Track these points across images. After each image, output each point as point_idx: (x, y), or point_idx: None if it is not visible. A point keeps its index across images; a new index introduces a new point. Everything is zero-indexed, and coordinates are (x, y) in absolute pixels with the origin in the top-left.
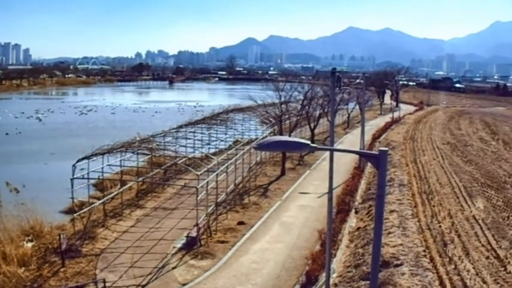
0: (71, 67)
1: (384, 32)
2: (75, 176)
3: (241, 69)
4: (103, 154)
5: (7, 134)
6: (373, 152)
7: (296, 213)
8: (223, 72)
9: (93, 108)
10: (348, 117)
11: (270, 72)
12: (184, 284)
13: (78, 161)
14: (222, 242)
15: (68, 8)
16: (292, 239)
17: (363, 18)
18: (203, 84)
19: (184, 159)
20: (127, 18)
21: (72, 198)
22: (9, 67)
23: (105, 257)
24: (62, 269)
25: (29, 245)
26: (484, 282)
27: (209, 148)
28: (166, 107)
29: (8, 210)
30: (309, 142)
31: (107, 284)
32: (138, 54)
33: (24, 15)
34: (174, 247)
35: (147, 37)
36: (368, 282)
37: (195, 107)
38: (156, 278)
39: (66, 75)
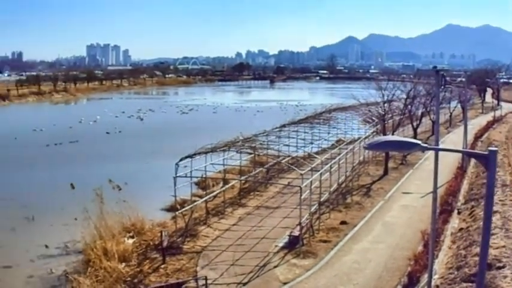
0: (171, 67)
1: (484, 29)
2: (178, 175)
3: (342, 68)
4: (206, 153)
5: (108, 133)
6: (483, 151)
7: (399, 214)
8: (324, 71)
9: (194, 107)
10: (450, 116)
11: (371, 70)
12: (285, 283)
13: (181, 160)
14: (324, 241)
15: (167, 9)
16: (395, 239)
17: (462, 15)
18: (304, 84)
19: (287, 158)
20: (227, 18)
21: (175, 196)
22: (109, 68)
23: (206, 254)
24: (162, 266)
25: (130, 241)
26: None
27: (312, 147)
28: (268, 106)
29: (110, 207)
30: (419, 142)
31: (208, 281)
32: (239, 54)
33: (123, 16)
34: (276, 246)
35: (247, 37)
36: (470, 284)
37: (297, 106)
38: (257, 277)
39: (167, 75)
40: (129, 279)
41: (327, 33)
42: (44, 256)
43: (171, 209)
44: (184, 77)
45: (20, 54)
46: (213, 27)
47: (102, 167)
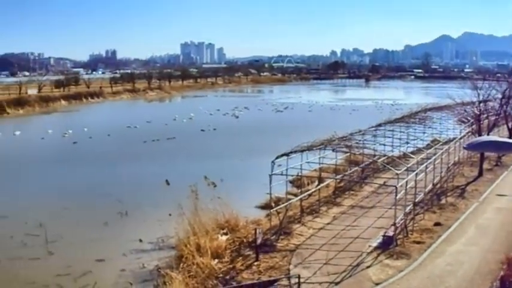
0: (266, 65)
1: None
2: (273, 172)
3: (437, 67)
4: (302, 151)
5: (202, 130)
6: None
7: (493, 216)
8: (419, 70)
9: (289, 105)
10: None
11: (466, 70)
12: (377, 284)
13: (277, 158)
14: (418, 242)
15: (262, 7)
16: (488, 242)
17: None
18: (399, 82)
19: (383, 158)
20: (321, 16)
21: (270, 193)
22: (204, 66)
23: (300, 253)
24: (255, 263)
25: (224, 238)
26: None
27: (408, 147)
28: (364, 105)
29: (205, 203)
30: None
31: (300, 280)
32: (333, 53)
33: (217, 15)
34: (369, 246)
35: (342, 35)
36: None
37: (392, 105)
38: (350, 276)
39: (261, 74)
40: (221, 275)
41: (421, 31)
42: (136, 251)
43: (266, 206)
44: (279, 75)
45: (114, 53)
46: (307, 26)
47: (197, 164)
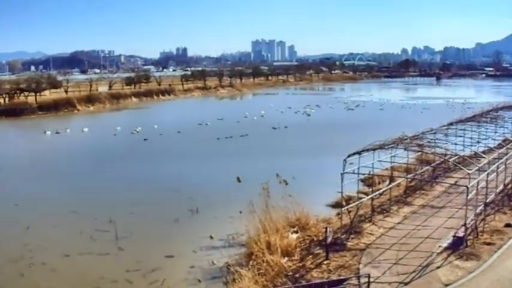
0: (337, 63)
1: None
2: (345, 171)
3: (508, 65)
4: (374, 150)
5: (274, 128)
6: None
7: None
8: (490, 69)
9: (361, 103)
10: None
11: None
12: (447, 285)
13: (348, 156)
14: (488, 243)
15: (333, 5)
16: None
17: None
18: (469, 81)
19: (454, 157)
20: (393, 13)
21: (342, 192)
22: (275, 63)
23: (370, 252)
24: (325, 262)
25: (294, 236)
26: None
27: (479, 146)
28: (435, 104)
29: (276, 201)
30: None
31: (370, 279)
32: (404, 50)
33: (288, 13)
34: (439, 246)
35: (412, 33)
36: None
37: (463, 104)
38: (419, 277)
39: (332, 71)
40: (290, 273)
41: (492, 29)
42: (206, 247)
43: (337, 205)
44: (350, 73)
45: (185, 50)
46: (378, 23)
47: (269, 162)
